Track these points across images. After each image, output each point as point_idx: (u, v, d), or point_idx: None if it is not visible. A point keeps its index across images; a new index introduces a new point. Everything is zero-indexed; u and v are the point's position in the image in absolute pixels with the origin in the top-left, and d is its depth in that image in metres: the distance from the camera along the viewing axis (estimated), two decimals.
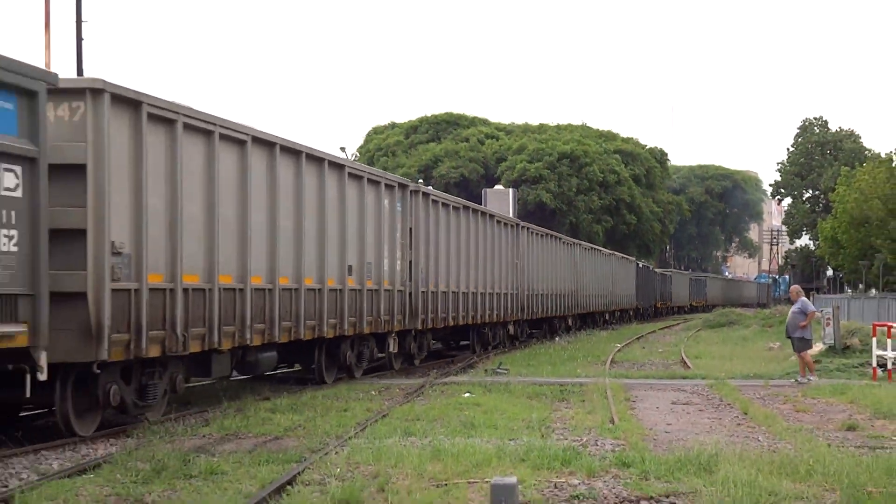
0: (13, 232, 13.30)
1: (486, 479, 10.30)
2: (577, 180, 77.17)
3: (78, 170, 14.85)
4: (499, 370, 26.03)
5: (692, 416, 17.19)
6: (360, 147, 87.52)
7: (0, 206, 13.16)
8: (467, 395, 19.81)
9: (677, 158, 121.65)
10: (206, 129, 17.65)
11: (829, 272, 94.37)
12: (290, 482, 10.84)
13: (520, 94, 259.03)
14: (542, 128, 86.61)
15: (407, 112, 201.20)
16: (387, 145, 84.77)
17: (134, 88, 15.91)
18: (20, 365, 13.94)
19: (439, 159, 79.26)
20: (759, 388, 21.62)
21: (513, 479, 9.61)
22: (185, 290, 17.15)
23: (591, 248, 58.81)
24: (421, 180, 62.06)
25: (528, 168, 76.08)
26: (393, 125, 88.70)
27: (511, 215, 46.42)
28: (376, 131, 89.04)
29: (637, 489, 10.62)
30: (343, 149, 63.58)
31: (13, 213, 13.27)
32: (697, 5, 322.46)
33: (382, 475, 11.20)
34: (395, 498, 10.18)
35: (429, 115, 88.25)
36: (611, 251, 65.63)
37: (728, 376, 23.84)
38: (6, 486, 11.16)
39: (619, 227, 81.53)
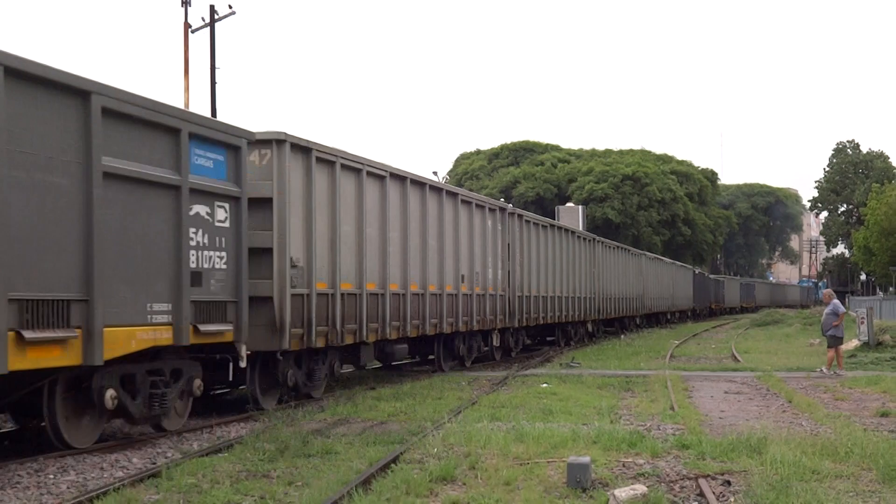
0: (223, 254, 14.35)
1: (563, 459, 10.27)
2: (638, 198, 76.79)
3: (266, 202, 15.81)
4: (572, 364, 25.53)
5: (742, 404, 16.77)
6: (450, 171, 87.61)
7: (215, 235, 14.10)
8: (545, 385, 19.39)
9: (726, 177, 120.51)
10: (356, 168, 18.55)
11: (863, 277, 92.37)
12: (394, 461, 10.74)
13: (587, 122, 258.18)
14: (607, 152, 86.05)
15: (489, 140, 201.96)
16: (472, 169, 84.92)
17: (306, 138, 16.77)
18: (226, 355, 14.92)
19: (518, 181, 79.17)
20: (802, 379, 21.07)
21: (586, 459, 9.66)
22: (342, 295, 17.95)
23: (655, 257, 58.19)
24: (503, 199, 62.80)
25: (595, 188, 75.84)
26: (478, 151, 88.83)
27: (581, 229, 46.05)
28: (464, 157, 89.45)
29: (695, 468, 10.41)
30: (436, 172, 63.67)
31: (223, 239, 14.29)
32: (744, 47, 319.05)
33: (473, 455, 11.09)
34: (485, 475, 10.09)
35: (508, 142, 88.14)
36: (671, 260, 64.83)
37: (774, 369, 23.21)
38: (154, 464, 11.30)
39: (675, 238, 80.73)
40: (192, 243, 13.51)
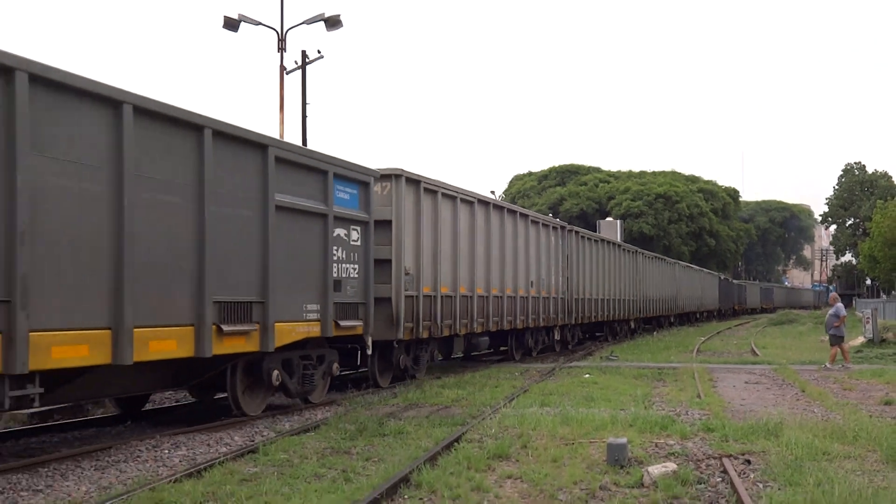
0: (356, 265, 15.33)
1: (604, 440, 10.08)
2: (669, 213, 75.78)
3: (386, 223, 16.88)
4: (611, 357, 25.00)
5: (761, 393, 16.27)
6: (506, 190, 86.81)
7: (351, 251, 15.14)
8: (587, 376, 18.96)
9: (747, 195, 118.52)
10: (452, 196, 19.54)
11: (868, 282, 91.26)
12: (456, 440, 10.59)
13: (625, 146, 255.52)
14: (641, 173, 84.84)
15: (539, 162, 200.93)
16: (524, 189, 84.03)
17: (416, 173, 17.76)
18: (355, 345, 16.08)
19: (564, 198, 78.41)
20: (813, 371, 20.56)
21: (624, 440, 9.51)
22: (441, 297, 18.86)
23: (686, 266, 58.01)
24: (550, 214, 63.10)
25: (631, 205, 75.17)
26: (529, 173, 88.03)
27: (620, 241, 45.27)
28: (517, 178, 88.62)
29: (719, 448, 10.13)
30: (493, 191, 62.21)
31: (356, 254, 15.30)
32: (764, 79, 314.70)
33: (525, 435, 10.90)
34: (535, 453, 9.94)
35: (556, 165, 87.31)
36: (699, 268, 64.45)
37: (788, 362, 22.66)
38: (252, 441, 11.32)
39: (701, 248, 79.58)
40: (335, 258, 14.52)
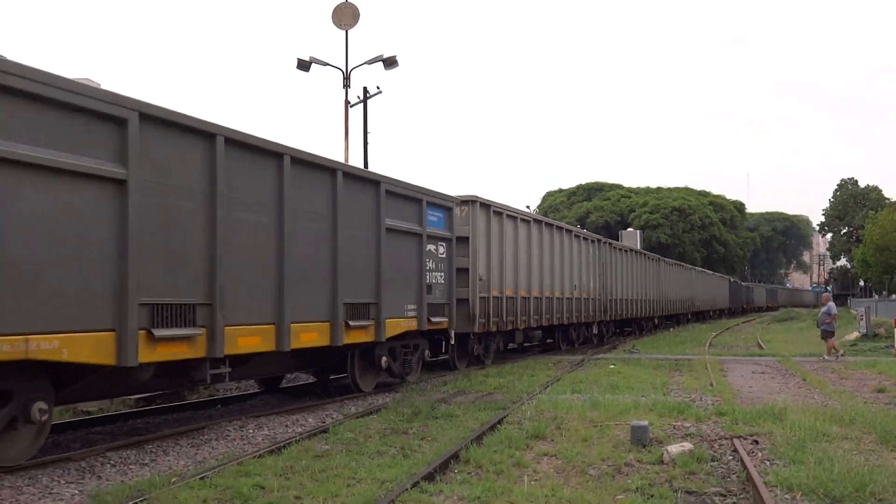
0: (442, 273, 16.35)
1: (627, 422, 9.93)
2: (683, 224, 75.68)
3: (464, 239, 17.94)
4: (633, 350, 24.75)
5: (766, 382, 15.92)
6: (539, 204, 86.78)
7: (438, 262, 16.16)
8: (612, 366, 18.71)
9: (751, 207, 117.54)
10: (513, 216, 20.55)
11: (861, 283, 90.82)
12: (499, 422, 10.50)
13: (645, 164, 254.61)
14: (658, 189, 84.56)
15: (568, 180, 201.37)
16: (555, 203, 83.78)
17: (488, 198, 18.75)
18: (440, 337, 17.07)
19: (590, 212, 78.27)
20: (813, 362, 20.07)
21: (645, 422, 9.38)
22: (506, 298, 19.77)
23: (701, 270, 57.90)
24: (578, 225, 63.35)
25: (650, 217, 75.02)
26: (560, 189, 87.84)
27: (640, 248, 45.22)
28: (549, 194, 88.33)
29: (730, 430, 9.96)
30: (528, 206, 62.81)
31: (442, 264, 16.33)
32: (770, 110, 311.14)
33: (558, 418, 10.76)
34: (567, 433, 9.81)
35: (583, 182, 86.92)
36: (712, 272, 64.33)
37: (791, 355, 22.28)
38: (324, 423, 11.30)
39: (712, 254, 79.06)
40: (427, 268, 15.66)
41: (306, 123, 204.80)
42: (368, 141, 29.71)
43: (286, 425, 11.26)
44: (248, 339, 10.80)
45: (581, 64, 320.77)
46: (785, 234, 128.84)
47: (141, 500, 6.83)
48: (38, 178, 7.89)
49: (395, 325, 14.63)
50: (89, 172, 8.41)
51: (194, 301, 9.87)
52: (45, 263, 7.92)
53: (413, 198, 15.40)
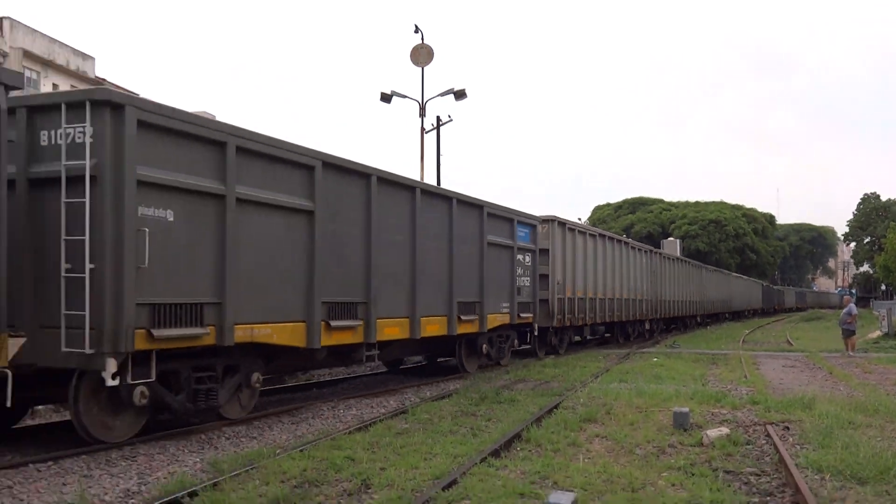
0: (528, 278, 17.46)
1: (670, 409, 9.74)
2: (718, 234, 74.61)
3: (545, 251, 18.88)
4: (674, 346, 24.13)
5: (796, 375, 15.51)
6: (589, 217, 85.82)
7: (526, 269, 17.28)
8: (655, 359, 18.31)
9: (781, 219, 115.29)
10: (583, 231, 21.52)
11: (883, 287, 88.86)
12: (555, 407, 10.37)
13: (684, 180, 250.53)
14: (696, 203, 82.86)
15: (616, 194, 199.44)
16: (603, 216, 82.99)
17: (564, 217, 19.61)
18: (526, 329, 18.02)
19: (634, 223, 77.71)
20: (838, 358, 19.48)
21: (686, 409, 9.20)
22: (578, 298, 20.68)
23: (738, 276, 57.58)
24: (624, 235, 63.34)
25: (689, 228, 74.16)
26: (608, 203, 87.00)
27: (680, 256, 44.51)
28: (598, 207, 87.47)
29: (763, 417, 9.69)
30: (579, 218, 62.37)
31: (528, 271, 17.48)
32: (798, 128, 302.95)
33: (608, 404, 10.53)
34: (616, 417, 9.61)
35: (629, 197, 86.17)
36: (748, 277, 63.72)
37: (818, 350, 21.56)
38: (403, 405, 11.28)
39: (745, 261, 77.65)
40: (517, 274, 16.83)
41: (387, 148, 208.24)
42: (441, 163, 30.05)
43: (371, 406, 11.37)
44: (391, 329, 12.36)
45: (624, 91, 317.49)
46: (812, 242, 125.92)
47: (251, 468, 6.95)
48: (262, 212, 9.64)
49: (494, 319, 15.90)
50: (293, 207, 10.17)
51: (356, 300, 11.54)
52: (263, 272, 9.63)
53: (506, 218, 16.69)
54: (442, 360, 17.12)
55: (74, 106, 7.78)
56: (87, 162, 7.63)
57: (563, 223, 19.98)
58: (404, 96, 27.38)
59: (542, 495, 5.94)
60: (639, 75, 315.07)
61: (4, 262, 6.91)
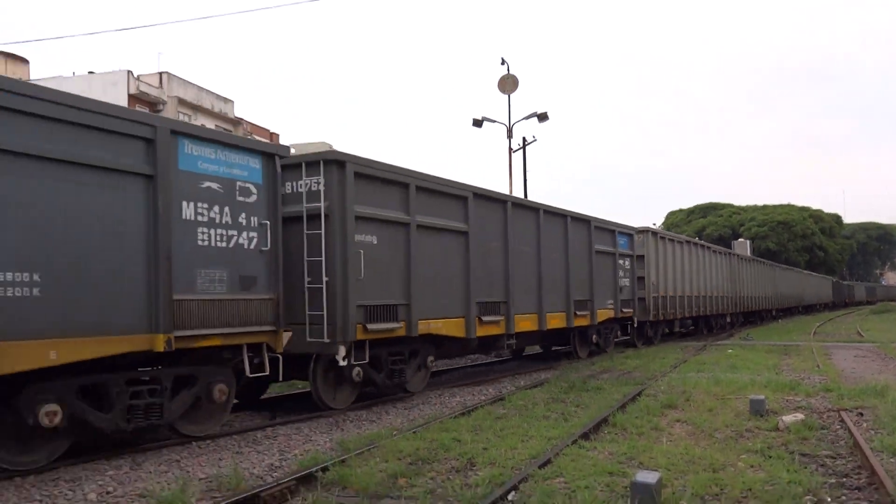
0: (628, 279, 18.19)
1: (746, 396, 9.51)
2: (787, 234, 72.46)
3: (642, 257, 19.71)
4: (747, 338, 23.58)
5: (867, 364, 14.85)
6: (663, 222, 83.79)
7: (626, 272, 18.15)
8: (730, 351, 17.86)
9: (848, 218, 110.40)
10: (672, 239, 22.07)
11: None
12: (638, 394, 10.27)
13: (753, 184, 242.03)
14: (765, 206, 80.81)
15: (688, 200, 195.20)
16: (676, 221, 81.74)
17: (657, 228, 20.48)
18: (626, 322, 18.72)
19: (705, 227, 76.30)
20: None
21: (762, 396, 8.93)
22: (669, 297, 21.30)
23: (808, 273, 56.29)
24: (697, 237, 62.26)
25: (758, 230, 72.36)
26: (680, 209, 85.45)
27: (752, 256, 42.67)
28: (671, 213, 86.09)
29: (836, 404, 9.38)
30: (654, 223, 61.51)
31: (628, 273, 18.29)
32: (863, 134, 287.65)
33: (687, 392, 10.33)
34: (695, 405, 9.39)
35: (700, 203, 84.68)
36: (818, 274, 62.21)
37: (889, 341, 20.64)
38: (500, 393, 11.40)
39: (813, 259, 74.61)
40: (619, 276, 17.83)
41: (480, 166, 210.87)
42: (528, 179, 30.42)
43: (473, 394, 11.47)
44: (524, 323, 13.86)
45: (689, 100, 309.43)
46: (879, 240, 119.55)
47: (373, 447, 7.13)
48: (433, 234, 11.47)
49: (601, 314, 17.07)
50: (454, 229, 12.02)
51: (499, 300, 13.26)
52: (435, 279, 11.35)
53: (609, 229, 17.91)
54: (557, 348, 18.36)
55: (311, 164, 9.87)
56: (322, 204, 9.53)
57: (655, 233, 20.86)
58: (493, 121, 27.86)
59: (630, 474, 5.88)
60: (704, 89, 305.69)
61: (281, 279, 9.02)
